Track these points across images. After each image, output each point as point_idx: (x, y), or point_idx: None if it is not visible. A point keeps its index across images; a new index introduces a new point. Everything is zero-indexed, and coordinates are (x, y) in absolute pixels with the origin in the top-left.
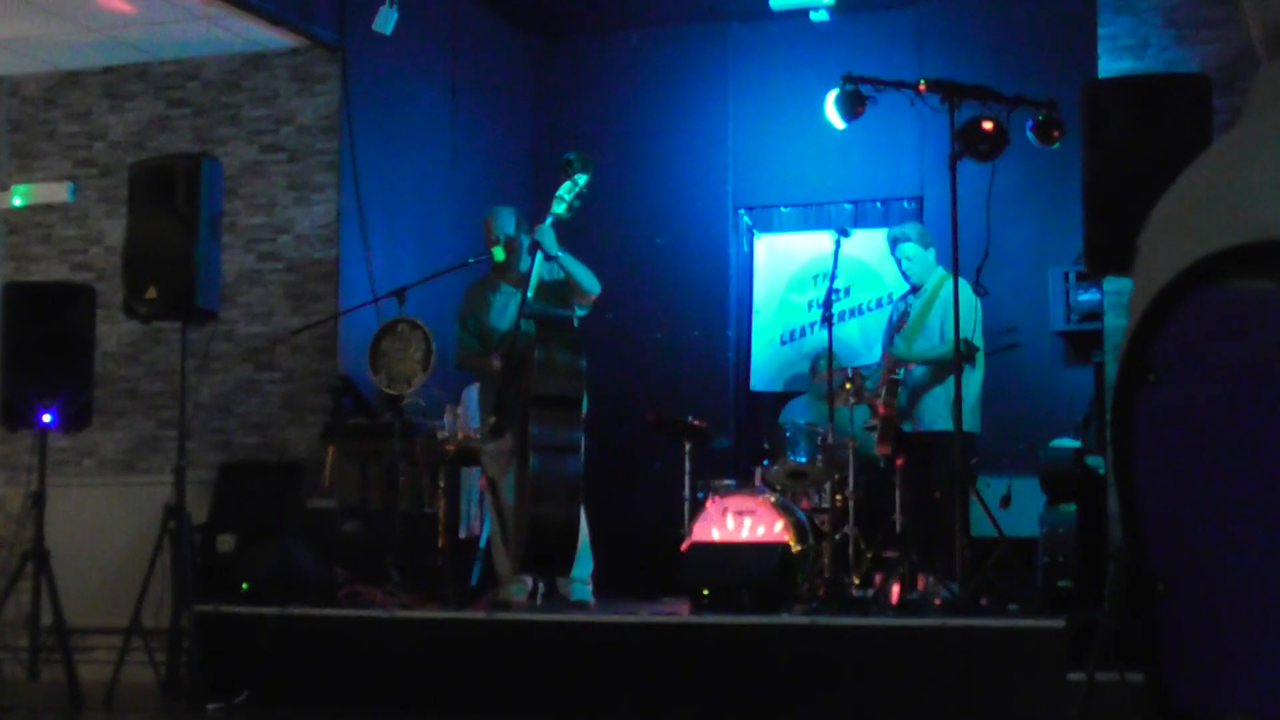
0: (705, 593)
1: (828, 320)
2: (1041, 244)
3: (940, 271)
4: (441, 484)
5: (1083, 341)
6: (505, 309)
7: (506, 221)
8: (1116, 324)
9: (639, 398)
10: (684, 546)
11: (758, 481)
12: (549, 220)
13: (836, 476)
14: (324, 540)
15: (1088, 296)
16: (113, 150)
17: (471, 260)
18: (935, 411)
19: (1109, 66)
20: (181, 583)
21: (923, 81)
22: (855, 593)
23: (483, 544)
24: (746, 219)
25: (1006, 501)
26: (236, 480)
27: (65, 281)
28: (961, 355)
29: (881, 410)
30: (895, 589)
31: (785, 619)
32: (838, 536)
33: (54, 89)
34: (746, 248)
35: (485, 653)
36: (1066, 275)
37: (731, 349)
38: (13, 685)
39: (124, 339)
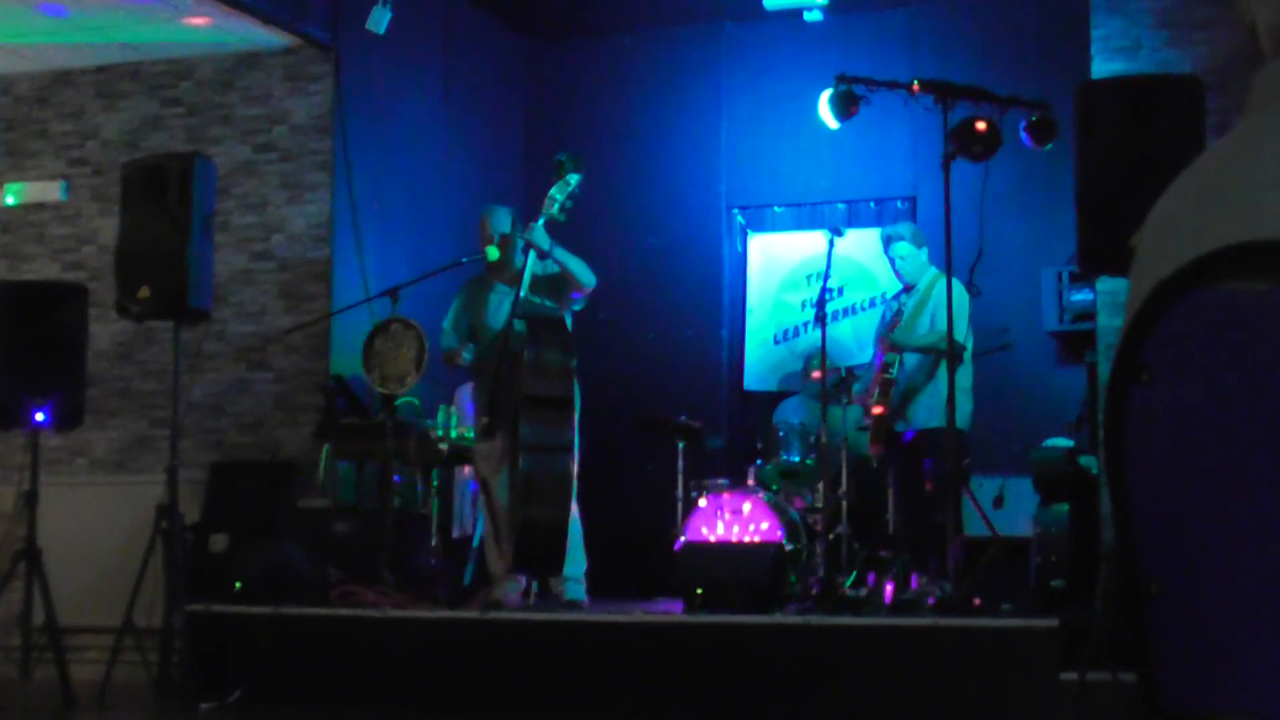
0: (698, 592)
1: (821, 320)
2: (1034, 244)
3: (933, 271)
4: (435, 484)
5: (1076, 342)
6: (500, 308)
7: (502, 220)
8: (1109, 324)
9: (632, 397)
10: (677, 546)
11: (751, 481)
12: (541, 220)
13: (829, 476)
14: (317, 540)
15: (1081, 297)
16: (105, 149)
17: (465, 260)
18: (928, 409)
19: (1102, 67)
20: (174, 582)
21: (916, 82)
22: (848, 592)
23: (476, 544)
24: (740, 219)
25: (1000, 501)
26: (229, 480)
27: (57, 280)
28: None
29: (874, 410)
30: (888, 588)
31: (778, 618)
32: (831, 536)
33: (46, 88)
34: (740, 247)
35: (478, 652)
36: (1059, 275)
37: (725, 349)
38: (5, 685)
39: (116, 338)
